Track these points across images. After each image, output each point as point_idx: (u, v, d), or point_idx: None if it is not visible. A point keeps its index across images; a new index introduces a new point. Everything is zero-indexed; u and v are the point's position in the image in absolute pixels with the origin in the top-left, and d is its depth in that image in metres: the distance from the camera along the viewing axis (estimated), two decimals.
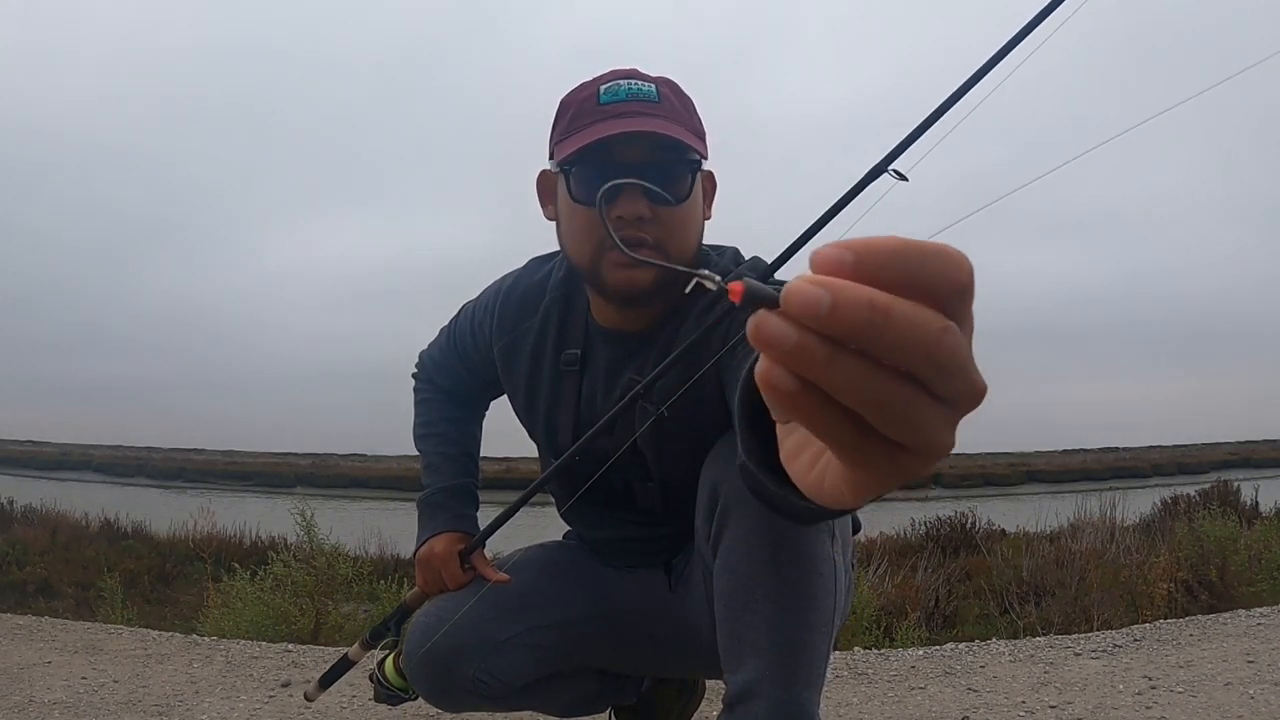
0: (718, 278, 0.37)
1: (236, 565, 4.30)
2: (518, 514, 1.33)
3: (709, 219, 1.28)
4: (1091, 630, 3.44)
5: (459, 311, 1.52)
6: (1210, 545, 4.99)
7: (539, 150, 1.27)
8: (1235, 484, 8.64)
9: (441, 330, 1.55)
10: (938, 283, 0.33)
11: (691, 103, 1.22)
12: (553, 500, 1.47)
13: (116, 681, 2.54)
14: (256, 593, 3.91)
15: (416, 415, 1.57)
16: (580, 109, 1.17)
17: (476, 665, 1.33)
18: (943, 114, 1.00)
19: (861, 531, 1.38)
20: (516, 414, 1.43)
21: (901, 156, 1.03)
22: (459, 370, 1.52)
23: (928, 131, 1.01)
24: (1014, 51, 0.99)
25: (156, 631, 3.40)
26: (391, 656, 1.47)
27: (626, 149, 1.13)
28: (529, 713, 1.55)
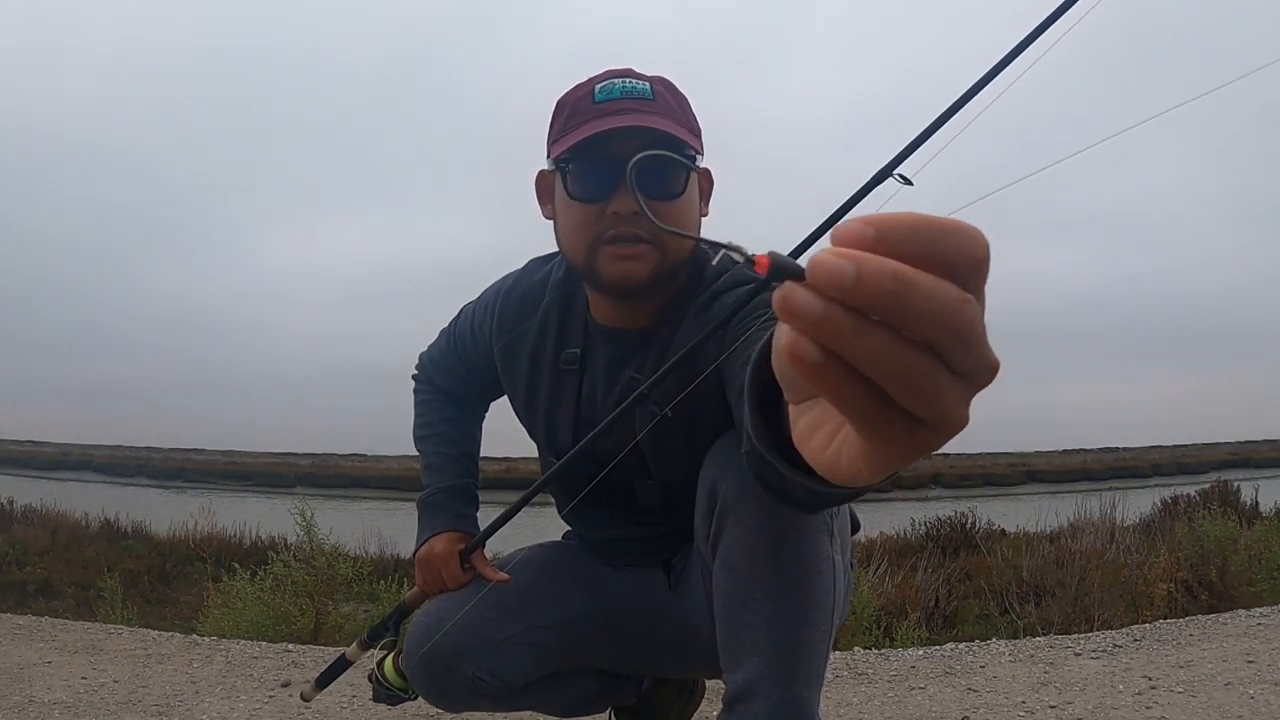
0: (747, 249, 0.37)
1: (236, 565, 4.30)
2: (518, 514, 1.33)
3: (706, 216, 1.29)
4: (1091, 630, 3.44)
5: (459, 313, 1.52)
6: (1210, 545, 4.99)
7: (539, 150, 1.28)
8: (1235, 484, 8.64)
9: (441, 331, 1.56)
10: (956, 257, 0.34)
11: (686, 101, 1.23)
12: (552, 501, 1.47)
13: (116, 681, 2.54)
14: (256, 593, 3.91)
15: (416, 416, 1.57)
16: (576, 108, 1.18)
17: (476, 664, 1.33)
18: (948, 119, 1.00)
19: (861, 531, 1.38)
20: (517, 414, 1.43)
21: (906, 161, 1.03)
22: (459, 371, 1.53)
23: (933, 136, 1.01)
24: (1019, 57, 0.99)
25: (156, 631, 3.40)
26: (391, 656, 1.47)
27: (621, 145, 1.14)
28: (529, 713, 1.55)
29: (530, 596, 1.40)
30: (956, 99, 1.00)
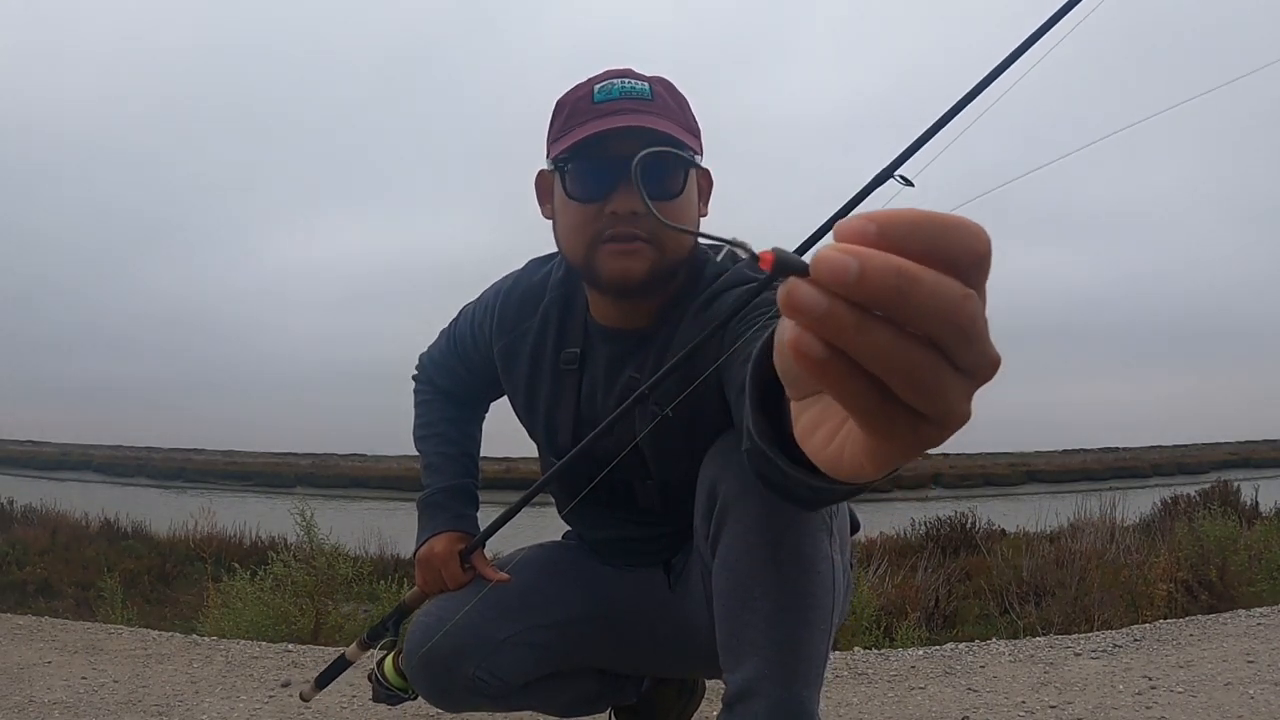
0: (751, 246, 0.38)
1: (236, 565, 4.30)
2: (518, 514, 1.33)
3: (705, 216, 1.29)
4: (1091, 630, 3.44)
5: (459, 313, 1.52)
6: (1210, 545, 4.99)
7: (539, 150, 1.28)
8: (1235, 484, 8.64)
9: (441, 332, 1.56)
10: (958, 253, 0.34)
11: (685, 101, 1.23)
12: (552, 501, 1.47)
13: (116, 681, 2.54)
14: (256, 593, 3.91)
15: (417, 416, 1.57)
16: (575, 108, 1.19)
17: (476, 664, 1.33)
18: (948, 120, 1.00)
19: (861, 531, 1.38)
20: (517, 414, 1.44)
21: (908, 162, 1.03)
22: (459, 371, 1.53)
23: (935, 137, 1.01)
24: (1020, 58, 0.99)
25: (156, 631, 3.40)
26: (391, 656, 1.47)
27: (620, 145, 1.14)
28: (529, 713, 1.55)
29: (530, 596, 1.40)
30: (957, 100, 1.00)
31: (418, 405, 1.58)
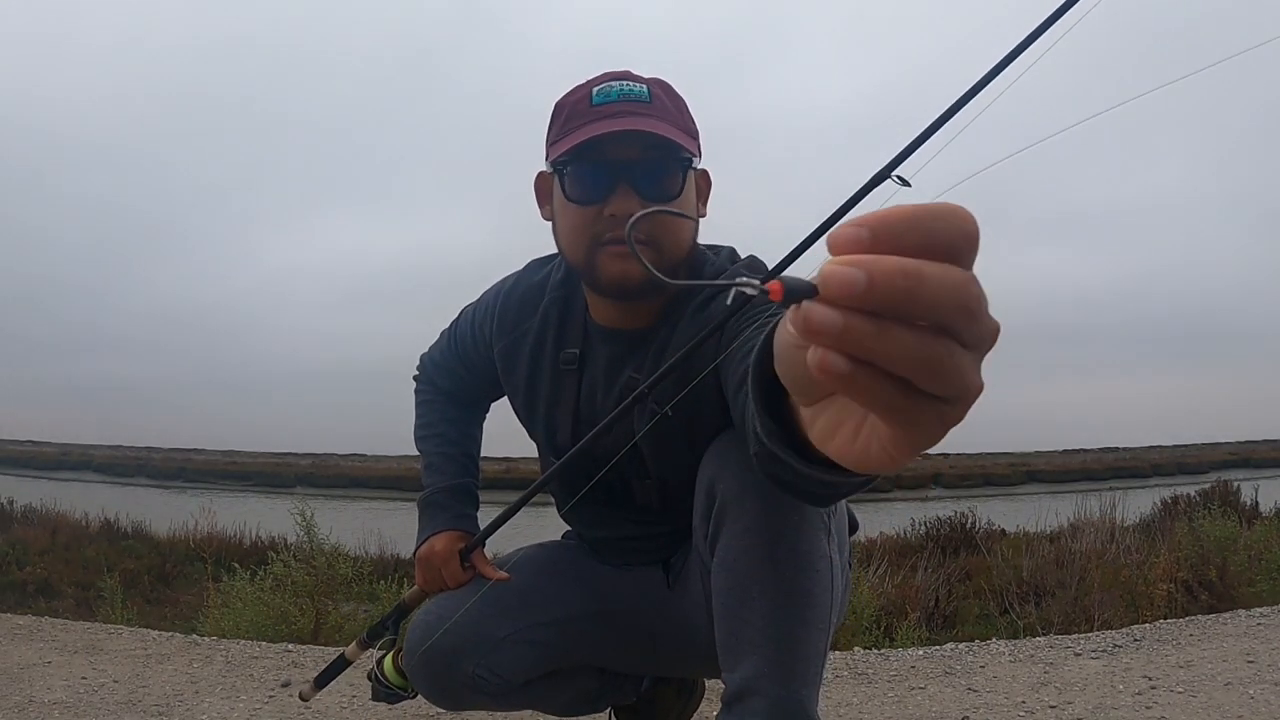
0: (757, 282, 0.38)
1: (236, 565, 4.29)
2: (518, 515, 1.33)
3: (704, 216, 1.30)
4: (1091, 630, 3.44)
5: (459, 314, 1.53)
6: (1210, 545, 4.99)
7: (539, 151, 1.28)
8: (1235, 484, 8.64)
9: (442, 333, 1.56)
10: (952, 239, 0.35)
11: (684, 103, 1.24)
12: (552, 500, 1.47)
13: (116, 681, 2.54)
14: (256, 593, 3.91)
15: (417, 416, 1.58)
16: (573, 110, 1.19)
17: (476, 662, 1.34)
18: (946, 120, 1.00)
19: (861, 531, 1.38)
20: (517, 414, 1.44)
21: (905, 162, 1.02)
22: (459, 372, 1.53)
23: (932, 137, 1.01)
24: (1018, 57, 0.99)
25: (156, 631, 3.40)
26: (391, 655, 1.47)
27: (618, 148, 1.15)
28: (529, 712, 1.55)
29: (530, 595, 1.41)
30: (955, 100, 1.00)
31: (418, 405, 1.58)
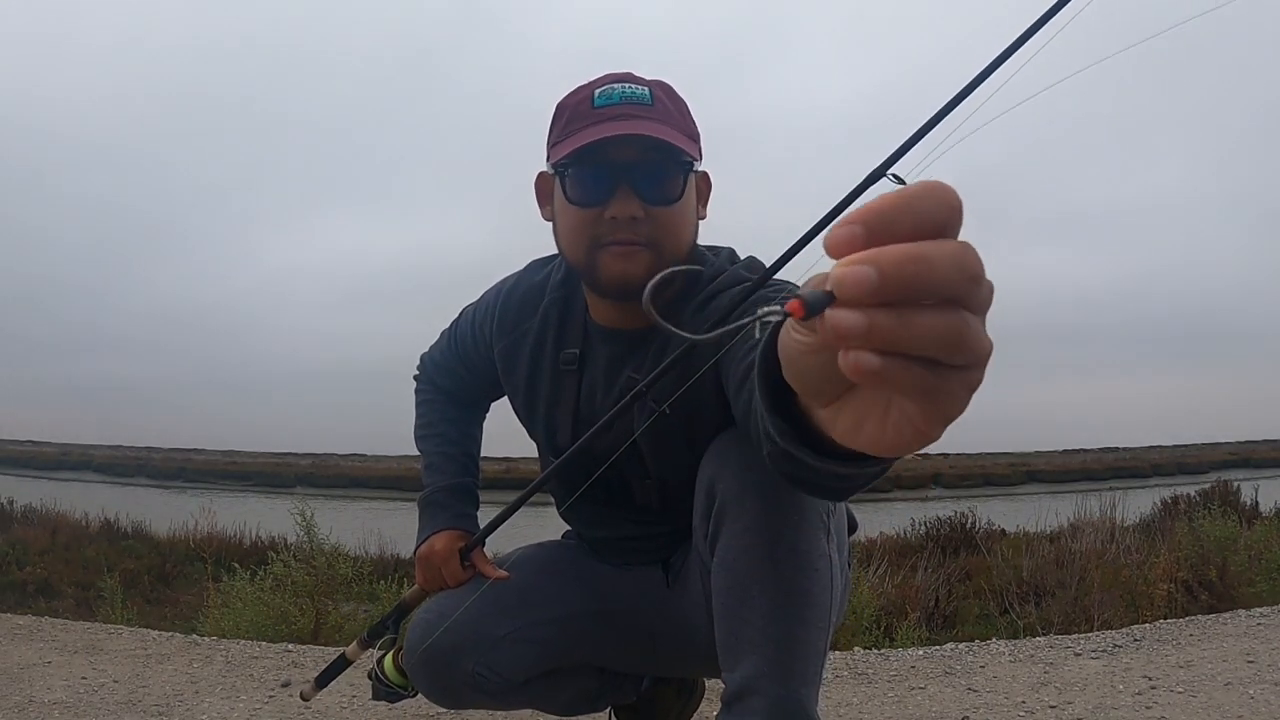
0: (779, 309, 0.40)
1: (236, 565, 4.29)
2: (518, 515, 1.34)
3: (704, 219, 1.30)
4: (1091, 630, 3.44)
5: (459, 314, 1.53)
6: (1210, 545, 4.99)
7: (540, 151, 1.28)
8: (1235, 484, 8.64)
9: (442, 333, 1.57)
10: (937, 215, 0.37)
11: (685, 105, 1.24)
12: (552, 500, 1.47)
13: (116, 681, 2.54)
14: (256, 593, 3.91)
15: (418, 416, 1.58)
16: (575, 112, 1.19)
17: (476, 660, 1.34)
18: (942, 118, 1.00)
19: (861, 531, 1.39)
20: (517, 414, 1.44)
21: (901, 160, 1.03)
22: (460, 372, 1.53)
23: (928, 135, 1.01)
24: (1014, 54, 0.99)
25: (156, 631, 3.40)
26: (391, 654, 1.47)
27: (619, 150, 1.15)
28: (529, 712, 1.55)
29: (529, 594, 1.41)
30: (951, 98, 1.00)
31: (419, 405, 1.59)
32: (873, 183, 1.02)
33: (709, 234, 1.32)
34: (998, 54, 0.99)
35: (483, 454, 1.59)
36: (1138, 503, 7.65)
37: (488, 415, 1.63)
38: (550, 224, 1.29)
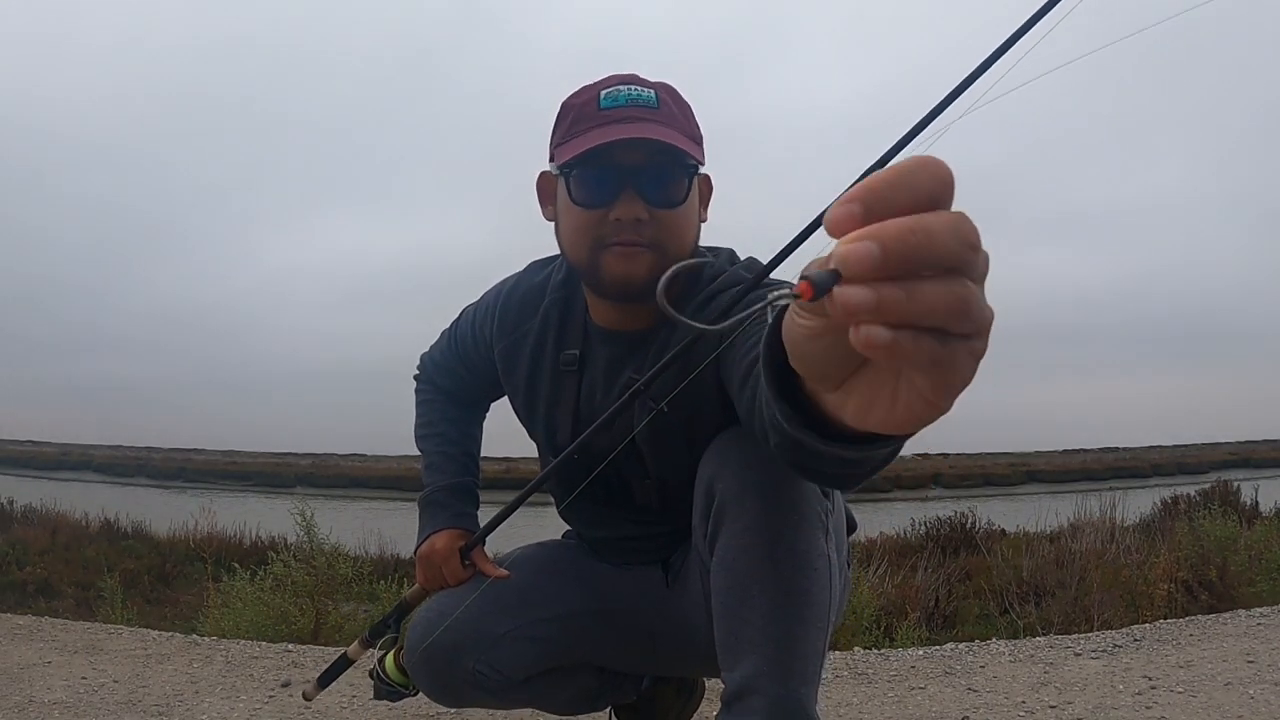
0: (788, 290, 0.40)
1: (236, 565, 4.29)
2: (517, 515, 1.34)
3: (705, 221, 1.31)
4: (1091, 630, 3.44)
5: (460, 314, 1.53)
6: (1210, 545, 4.99)
7: (541, 151, 1.28)
8: (1235, 484, 8.64)
9: (442, 333, 1.57)
10: (931, 187, 0.38)
11: (689, 108, 1.25)
12: (551, 500, 1.48)
13: (116, 681, 2.54)
14: (256, 593, 3.91)
15: (418, 416, 1.58)
16: (581, 113, 1.19)
17: (477, 658, 1.34)
18: (938, 115, 1.00)
19: (861, 531, 1.39)
20: (517, 414, 1.44)
21: (897, 157, 1.03)
22: (460, 372, 1.53)
23: (923, 132, 1.01)
24: (1010, 50, 0.99)
25: (156, 631, 3.40)
26: (392, 653, 1.48)
27: (625, 153, 1.16)
28: (529, 712, 1.55)
29: (529, 592, 1.41)
30: (946, 94, 1.00)
31: (419, 405, 1.59)
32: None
33: (709, 234, 1.33)
34: (990, 52, 0.99)
35: (483, 454, 1.59)
36: (1138, 503, 7.65)
37: (488, 415, 1.63)
38: (552, 224, 1.29)
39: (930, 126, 0.99)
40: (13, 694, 2.38)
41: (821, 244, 0.40)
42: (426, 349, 1.61)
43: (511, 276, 1.46)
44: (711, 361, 1.07)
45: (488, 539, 1.41)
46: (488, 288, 1.49)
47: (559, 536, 1.59)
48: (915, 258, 0.36)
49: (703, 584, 1.19)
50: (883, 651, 2.92)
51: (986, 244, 0.40)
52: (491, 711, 1.74)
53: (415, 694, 1.46)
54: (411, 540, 1.51)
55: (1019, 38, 0.99)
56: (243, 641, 3.17)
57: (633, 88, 1.19)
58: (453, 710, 2.11)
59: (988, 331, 0.40)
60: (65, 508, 10.36)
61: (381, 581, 4.49)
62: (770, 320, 0.49)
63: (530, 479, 1.32)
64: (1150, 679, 2.38)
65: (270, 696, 2.43)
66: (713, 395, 1.14)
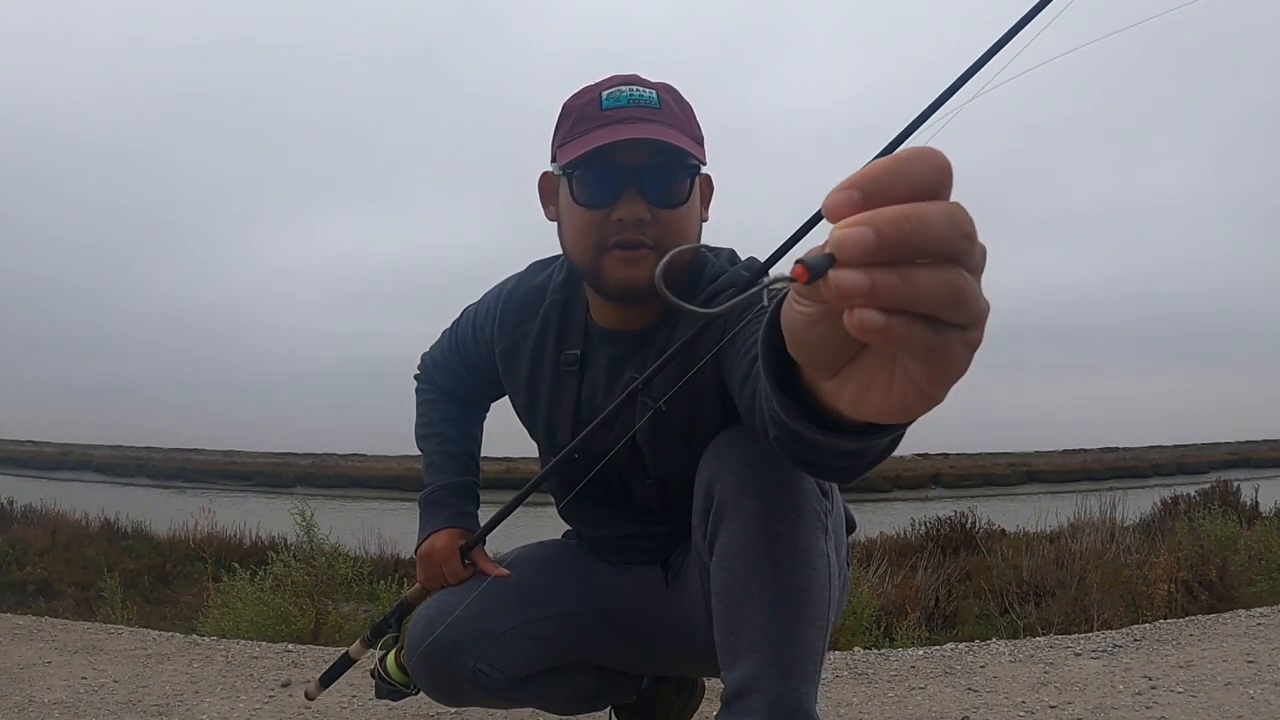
0: (786, 274, 0.41)
1: (236, 565, 4.29)
2: (517, 515, 1.34)
3: (706, 221, 1.31)
4: (1091, 630, 3.44)
5: (461, 314, 1.53)
6: (1210, 545, 4.99)
7: (542, 151, 1.29)
8: (1235, 484, 8.64)
9: (443, 332, 1.57)
10: (930, 177, 0.38)
11: (691, 109, 1.25)
12: (551, 499, 1.48)
13: (116, 681, 2.54)
14: (256, 593, 3.91)
15: (419, 416, 1.58)
16: (583, 114, 1.20)
17: (477, 657, 1.35)
18: (934, 111, 1.00)
19: (861, 531, 1.39)
20: (517, 414, 1.45)
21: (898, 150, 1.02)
22: (460, 372, 1.54)
23: (920, 129, 1.01)
24: (1007, 46, 0.99)
25: (156, 631, 3.40)
26: (393, 652, 1.48)
27: (627, 153, 1.16)
28: (529, 711, 1.55)
29: (529, 591, 1.41)
30: (942, 91, 1.00)
31: (420, 405, 1.59)
32: None
33: (709, 234, 1.33)
34: (985, 50, 0.99)
35: (483, 454, 1.59)
36: (1138, 503, 7.65)
37: (488, 415, 1.63)
38: (554, 224, 1.29)
39: (931, 119, 0.99)
40: (13, 694, 2.38)
41: (821, 240, 0.40)
42: (427, 349, 1.61)
43: (513, 277, 1.46)
44: (711, 359, 1.07)
45: (488, 538, 1.41)
46: (488, 288, 1.49)
47: (559, 536, 1.59)
48: (910, 244, 0.37)
49: (702, 583, 1.19)
50: (883, 651, 2.92)
51: (985, 242, 0.40)
52: (491, 711, 1.74)
53: (416, 693, 1.46)
54: (411, 540, 1.51)
55: (1019, 30, 0.99)
56: (243, 641, 3.17)
57: (634, 88, 1.20)
58: (453, 710, 2.12)
59: (983, 323, 0.41)
60: (65, 508, 10.37)
61: (381, 581, 4.50)
62: (766, 304, 0.50)
63: (530, 479, 1.32)
64: (1150, 679, 2.38)
65: (270, 696, 2.43)
66: (713, 395, 1.15)
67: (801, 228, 1.07)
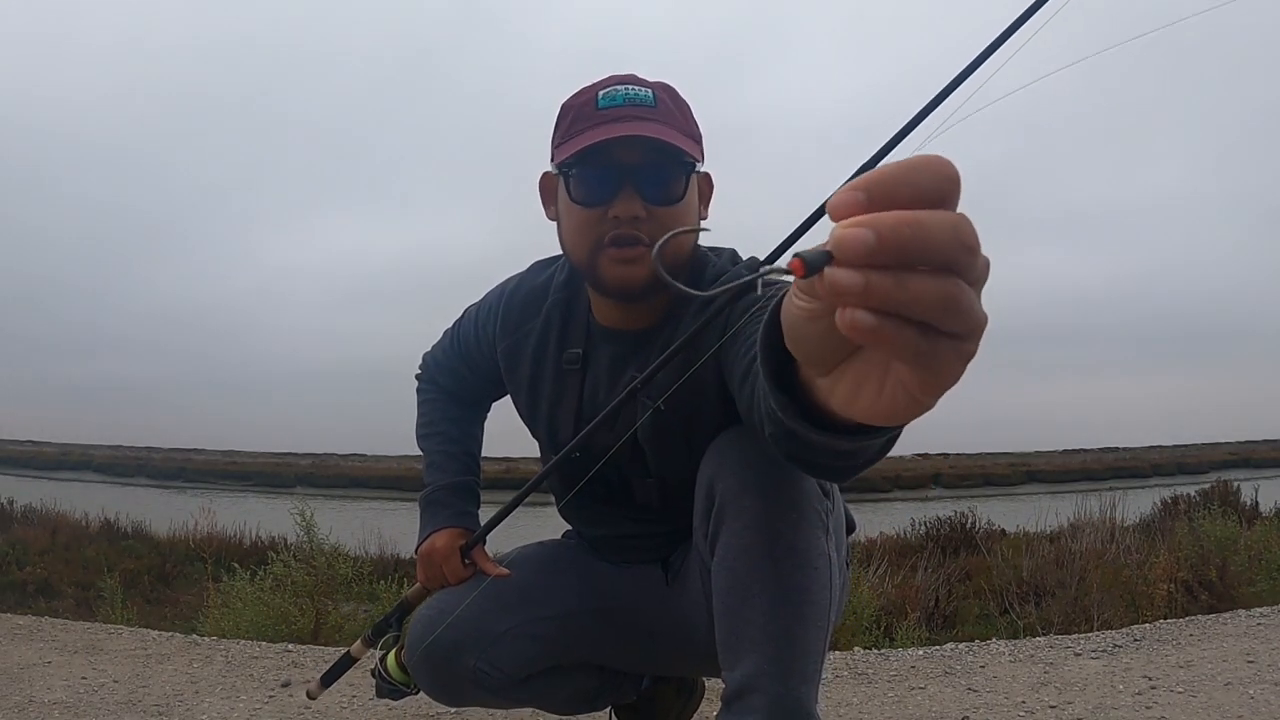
0: (783, 267, 0.41)
1: (236, 565, 4.29)
2: (518, 515, 1.34)
3: (705, 219, 1.31)
4: (1091, 630, 3.44)
5: (462, 314, 1.54)
6: (1210, 545, 4.99)
7: (542, 151, 1.29)
8: (1235, 484, 8.64)
9: (445, 332, 1.57)
10: (937, 186, 0.39)
11: (688, 107, 1.25)
12: (552, 499, 1.48)
13: (116, 681, 2.54)
14: (256, 593, 3.91)
15: (420, 415, 1.59)
16: (579, 113, 1.20)
17: (477, 656, 1.35)
18: (933, 110, 1.00)
19: (861, 531, 1.39)
20: (519, 413, 1.45)
21: (892, 153, 1.03)
22: (462, 371, 1.54)
23: (918, 128, 1.01)
24: (1005, 45, 0.99)
25: (156, 631, 3.40)
26: (394, 652, 1.48)
27: (623, 151, 1.16)
28: (529, 711, 1.55)
29: (530, 590, 1.41)
30: (941, 89, 1.00)
31: (421, 404, 1.59)
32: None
33: (709, 235, 1.33)
34: (982, 49, 0.99)
35: (484, 454, 1.59)
36: (1138, 503, 7.65)
37: (489, 415, 1.63)
38: (554, 223, 1.29)
39: (926, 120, 1.00)
40: (13, 694, 2.38)
41: (821, 238, 0.40)
42: (429, 348, 1.61)
43: (514, 276, 1.47)
44: (712, 357, 1.07)
45: (488, 538, 1.41)
46: (488, 288, 1.50)
47: (559, 536, 1.59)
48: (909, 250, 0.37)
49: (703, 583, 1.19)
50: (883, 651, 2.92)
51: (986, 242, 0.40)
52: (491, 711, 1.74)
53: (417, 693, 1.46)
54: (411, 540, 1.51)
55: (1014, 30, 0.99)
56: (243, 641, 3.17)
57: (630, 87, 1.20)
58: (453, 710, 2.12)
59: (979, 335, 0.41)
60: (65, 508, 10.37)
61: (381, 581, 4.50)
62: (760, 293, 0.51)
63: (530, 478, 1.32)
64: (1150, 679, 2.38)
65: (270, 696, 2.43)
66: (713, 394, 1.15)
67: (803, 224, 1.07)
